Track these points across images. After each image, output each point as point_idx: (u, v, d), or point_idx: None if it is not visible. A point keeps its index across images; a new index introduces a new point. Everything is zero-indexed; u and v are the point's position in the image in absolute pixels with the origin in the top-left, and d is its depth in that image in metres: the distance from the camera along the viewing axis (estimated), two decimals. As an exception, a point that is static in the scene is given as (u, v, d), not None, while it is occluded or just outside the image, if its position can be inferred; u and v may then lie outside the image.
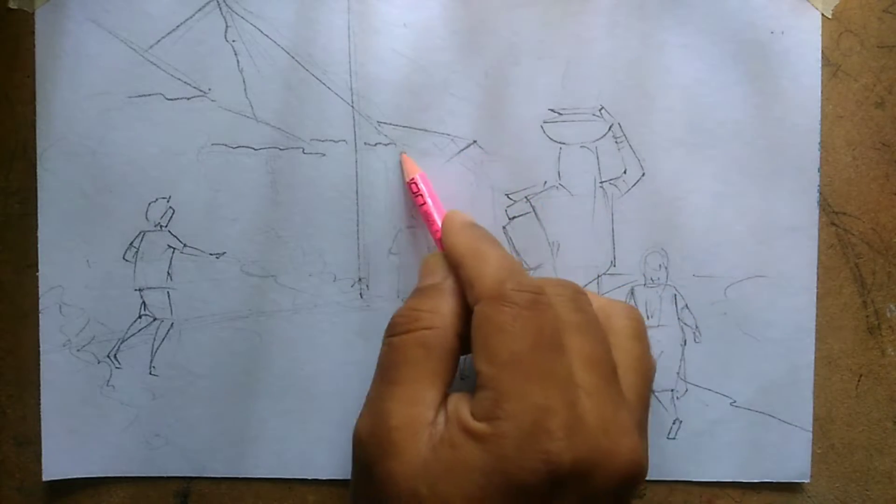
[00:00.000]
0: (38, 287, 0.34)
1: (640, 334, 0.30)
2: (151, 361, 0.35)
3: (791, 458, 0.35)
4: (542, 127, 0.34)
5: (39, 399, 0.34)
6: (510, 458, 0.24)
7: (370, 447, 0.27)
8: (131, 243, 0.34)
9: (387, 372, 0.28)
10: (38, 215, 0.34)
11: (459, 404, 0.26)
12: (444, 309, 0.28)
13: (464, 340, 0.28)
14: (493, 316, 0.27)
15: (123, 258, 0.34)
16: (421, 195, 0.33)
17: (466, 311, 0.28)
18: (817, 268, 0.35)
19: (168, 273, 0.34)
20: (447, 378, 0.28)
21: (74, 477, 0.35)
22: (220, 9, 0.34)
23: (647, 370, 0.29)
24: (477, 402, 0.26)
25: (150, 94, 0.34)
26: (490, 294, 0.27)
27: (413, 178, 0.33)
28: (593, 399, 0.26)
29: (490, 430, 0.25)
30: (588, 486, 0.25)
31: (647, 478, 0.34)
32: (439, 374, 0.27)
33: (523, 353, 0.26)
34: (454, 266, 0.30)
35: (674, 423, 0.35)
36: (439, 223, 0.32)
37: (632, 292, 0.35)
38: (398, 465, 0.26)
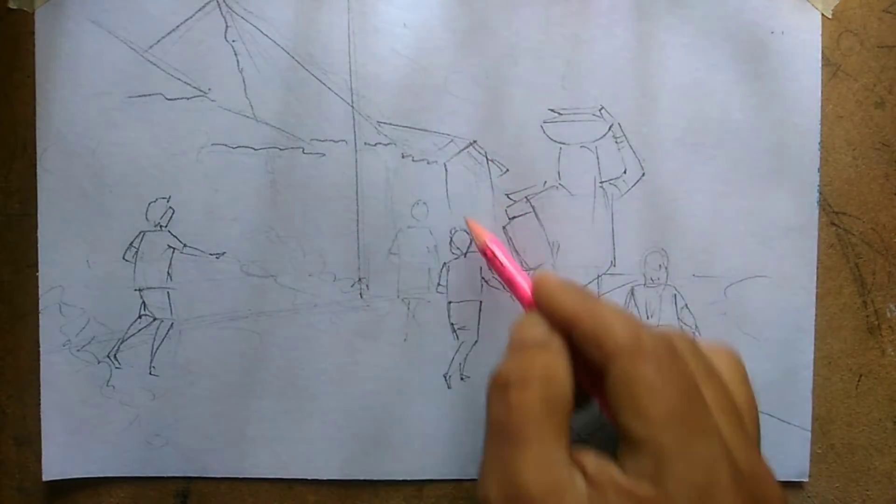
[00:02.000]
0: (38, 287, 0.34)
1: (744, 376, 0.29)
2: (151, 361, 0.35)
3: (791, 458, 0.35)
4: (542, 127, 0.34)
5: (39, 399, 0.35)
6: None
7: None
8: (131, 243, 0.34)
9: (508, 432, 0.26)
10: (38, 215, 0.34)
11: (605, 467, 0.25)
12: (556, 363, 0.27)
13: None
14: (639, 371, 0.25)
15: (123, 258, 0.34)
16: (498, 259, 0.32)
17: (576, 376, 0.28)
18: (817, 268, 0.35)
19: (168, 273, 0.34)
20: (569, 433, 0.26)
21: (74, 477, 0.35)
22: (220, 9, 0.34)
23: (755, 412, 0.29)
24: (634, 464, 0.25)
25: (149, 94, 0.34)
26: (630, 349, 0.26)
27: (486, 245, 0.32)
28: (737, 448, 0.25)
29: (656, 492, 0.24)
30: None
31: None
32: (564, 433, 0.26)
33: (679, 409, 0.25)
34: (565, 327, 0.28)
35: (674, 423, 0.35)
36: (522, 283, 0.31)
37: (632, 292, 0.35)
38: None
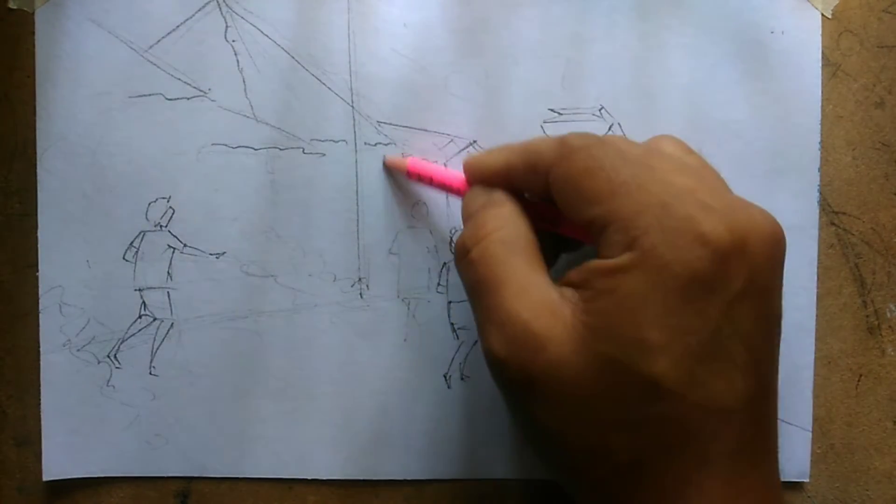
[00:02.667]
0: (38, 287, 0.34)
1: (690, 149, 0.29)
2: (151, 361, 0.35)
3: (791, 458, 0.35)
4: (542, 127, 0.35)
5: (39, 399, 0.34)
6: (673, 259, 0.23)
7: (517, 354, 0.24)
8: (131, 243, 0.34)
9: (483, 284, 0.26)
10: (38, 215, 0.34)
11: (585, 266, 0.25)
12: (504, 212, 0.27)
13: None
14: (574, 165, 0.25)
15: (123, 258, 0.34)
16: (426, 172, 0.33)
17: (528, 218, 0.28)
18: (817, 268, 0.35)
19: (168, 273, 0.34)
20: (543, 264, 0.26)
21: (74, 477, 0.35)
22: (220, 9, 0.34)
23: (715, 171, 0.28)
24: (607, 247, 0.24)
25: (150, 94, 0.34)
26: (559, 153, 0.26)
27: (409, 169, 0.33)
28: (703, 191, 0.25)
29: (637, 253, 0.23)
30: (750, 259, 0.24)
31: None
32: (535, 261, 0.26)
33: (622, 176, 0.24)
34: (506, 178, 0.28)
35: (674, 423, 0.35)
36: (455, 176, 0.31)
37: (632, 292, 0.35)
38: (556, 348, 0.24)
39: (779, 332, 0.26)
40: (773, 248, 0.25)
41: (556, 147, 0.27)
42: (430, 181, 0.33)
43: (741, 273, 0.23)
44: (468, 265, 0.27)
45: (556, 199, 0.26)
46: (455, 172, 0.32)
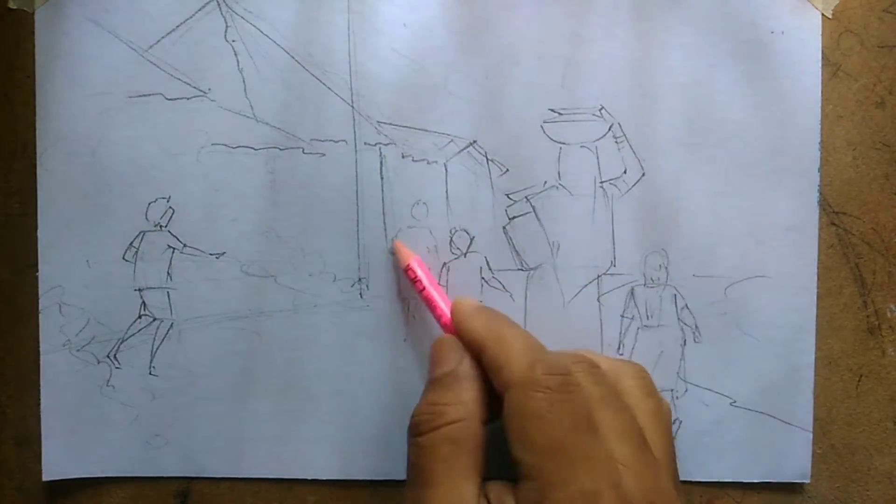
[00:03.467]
0: (37, 287, 0.34)
1: (650, 390, 0.30)
2: (151, 361, 0.35)
3: (791, 459, 0.35)
4: (542, 127, 0.34)
5: (39, 399, 0.34)
6: None
7: None
8: (131, 243, 0.34)
9: (420, 474, 0.27)
10: (38, 215, 0.34)
11: (503, 496, 0.26)
12: (465, 398, 0.28)
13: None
14: (528, 403, 0.26)
15: (123, 258, 0.34)
16: (419, 281, 0.33)
17: (488, 396, 0.28)
18: (817, 268, 0.35)
19: (168, 273, 0.34)
20: (481, 469, 0.27)
21: (74, 477, 0.35)
22: (220, 9, 0.34)
23: (666, 423, 0.29)
24: (522, 494, 0.26)
25: (149, 94, 0.34)
26: (521, 380, 0.27)
27: (409, 265, 0.33)
28: (632, 472, 0.26)
29: None
30: None
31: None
32: (473, 468, 0.27)
33: (563, 439, 0.25)
34: (475, 350, 0.29)
35: (674, 423, 0.35)
36: (443, 306, 0.32)
37: (632, 292, 0.35)
38: None
39: None
40: None
41: (523, 368, 0.27)
42: (420, 291, 0.33)
43: None
44: (414, 447, 0.28)
45: (503, 417, 0.27)
46: (444, 299, 0.32)
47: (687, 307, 0.35)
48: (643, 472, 0.26)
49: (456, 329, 0.31)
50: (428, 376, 0.30)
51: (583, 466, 0.25)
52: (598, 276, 0.35)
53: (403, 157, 0.34)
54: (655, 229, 0.35)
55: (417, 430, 0.28)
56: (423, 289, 0.33)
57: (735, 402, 0.35)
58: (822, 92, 0.34)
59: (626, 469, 0.25)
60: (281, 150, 0.34)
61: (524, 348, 0.28)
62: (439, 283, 0.34)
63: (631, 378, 0.30)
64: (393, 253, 0.34)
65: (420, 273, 0.33)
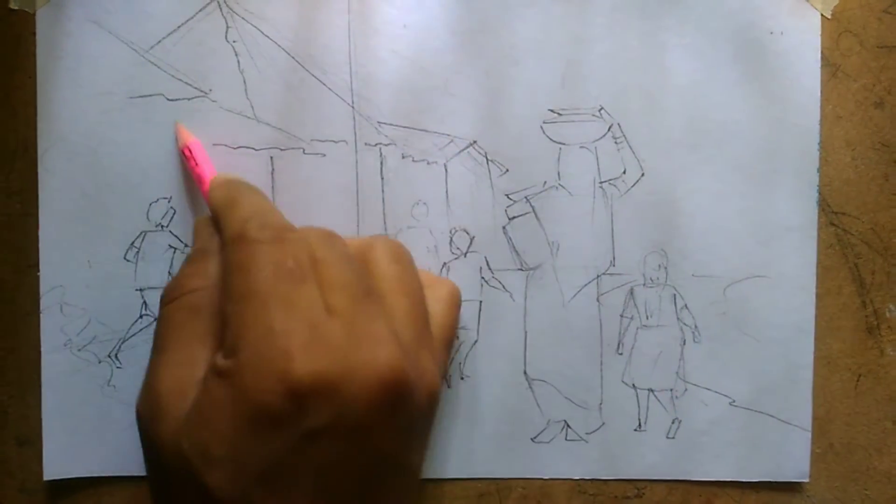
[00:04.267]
0: (38, 287, 0.34)
1: (396, 257, 0.29)
2: (152, 361, 0.35)
3: (790, 458, 0.35)
4: (541, 127, 0.35)
5: (40, 399, 0.35)
6: (250, 385, 0.24)
7: (143, 418, 0.26)
8: (132, 243, 0.34)
9: (157, 341, 0.28)
10: (39, 215, 0.34)
11: (216, 353, 0.26)
12: (209, 269, 0.28)
13: None
14: (234, 255, 0.27)
15: (124, 258, 0.35)
16: (193, 160, 0.33)
17: None
18: (816, 268, 0.35)
19: (169, 273, 0.35)
20: (220, 335, 0.27)
21: (75, 477, 0.35)
22: (221, 9, 0.34)
23: (410, 288, 0.29)
24: (224, 342, 0.25)
25: (150, 95, 0.34)
26: (233, 235, 0.27)
27: (186, 146, 0.33)
28: (342, 318, 0.25)
29: (232, 363, 0.24)
30: (338, 400, 0.24)
31: (647, 477, 0.35)
32: (209, 333, 0.27)
33: (262, 286, 0.25)
34: (215, 221, 0.30)
35: (673, 423, 0.35)
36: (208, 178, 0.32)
37: (631, 292, 0.35)
38: (164, 426, 0.25)
39: (388, 469, 0.26)
40: (381, 394, 0.25)
41: (239, 227, 0.27)
42: (192, 168, 0.33)
43: (322, 413, 0.24)
44: (159, 317, 0.28)
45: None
46: (209, 174, 0.32)
47: (686, 307, 0.35)
48: (354, 319, 0.25)
49: (209, 203, 0.31)
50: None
51: (278, 306, 0.25)
52: (598, 276, 0.35)
53: (403, 157, 0.34)
54: (655, 229, 0.35)
55: (161, 302, 0.28)
56: (195, 166, 0.33)
57: (734, 401, 0.35)
58: (821, 92, 0.34)
59: (335, 316, 0.25)
60: (281, 150, 0.34)
61: (249, 210, 0.28)
62: (211, 165, 0.33)
63: (379, 248, 0.30)
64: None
65: (195, 153, 0.33)
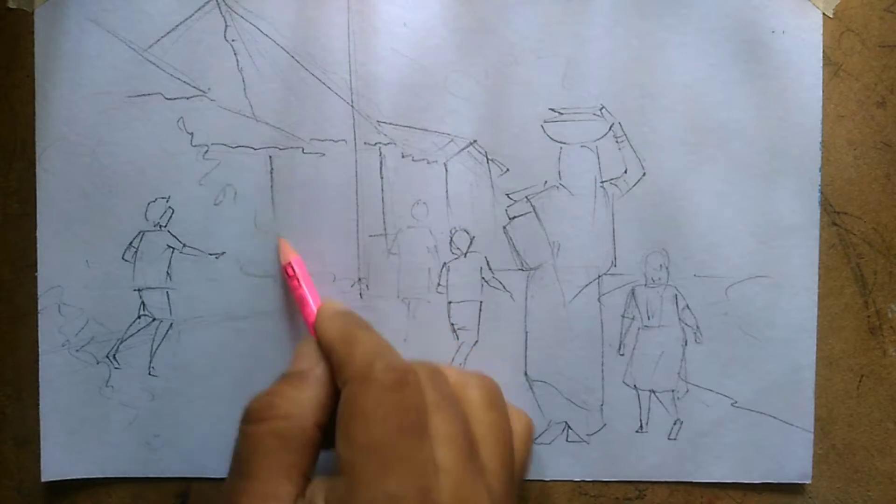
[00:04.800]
0: (36, 287, 0.34)
1: (492, 402, 0.29)
2: (151, 362, 0.35)
3: (792, 459, 0.35)
4: (542, 126, 0.34)
5: (38, 399, 0.34)
6: None
7: None
8: (130, 243, 0.34)
9: (240, 464, 0.27)
10: (38, 215, 0.34)
11: (317, 491, 0.25)
12: (303, 397, 0.27)
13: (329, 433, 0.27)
14: (357, 398, 0.26)
15: (122, 258, 0.34)
16: (296, 279, 0.33)
17: (335, 402, 0.28)
18: (818, 268, 0.35)
19: (167, 273, 0.34)
20: (305, 471, 0.27)
21: (73, 477, 0.35)
22: (220, 8, 0.34)
23: (504, 436, 0.28)
24: (332, 490, 0.25)
25: (149, 94, 0.34)
26: (357, 376, 0.26)
27: (289, 263, 0.33)
28: (451, 477, 0.25)
29: None
30: None
31: (648, 478, 0.35)
32: (296, 467, 0.26)
33: (384, 439, 0.25)
34: (326, 352, 0.29)
35: (675, 424, 0.35)
36: (312, 307, 0.32)
37: (632, 292, 0.35)
38: None
39: None
40: None
41: (362, 364, 0.27)
42: (294, 288, 0.33)
43: None
44: (241, 435, 0.27)
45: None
46: (316, 302, 0.32)
47: (688, 307, 0.35)
48: (464, 478, 0.25)
49: (316, 332, 0.30)
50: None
51: (397, 468, 0.24)
52: (599, 276, 0.35)
53: (403, 156, 0.34)
54: (656, 229, 0.35)
55: (247, 419, 0.27)
56: (297, 287, 0.33)
57: (736, 402, 0.35)
58: (823, 91, 0.34)
59: (444, 475, 0.25)
60: (281, 149, 0.34)
61: (370, 348, 0.28)
62: (316, 289, 0.33)
63: (475, 388, 0.29)
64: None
65: (297, 272, 0.33)
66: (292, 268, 0.33)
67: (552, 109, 0.34)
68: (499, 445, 0.28)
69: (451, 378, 0.29)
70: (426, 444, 0.25)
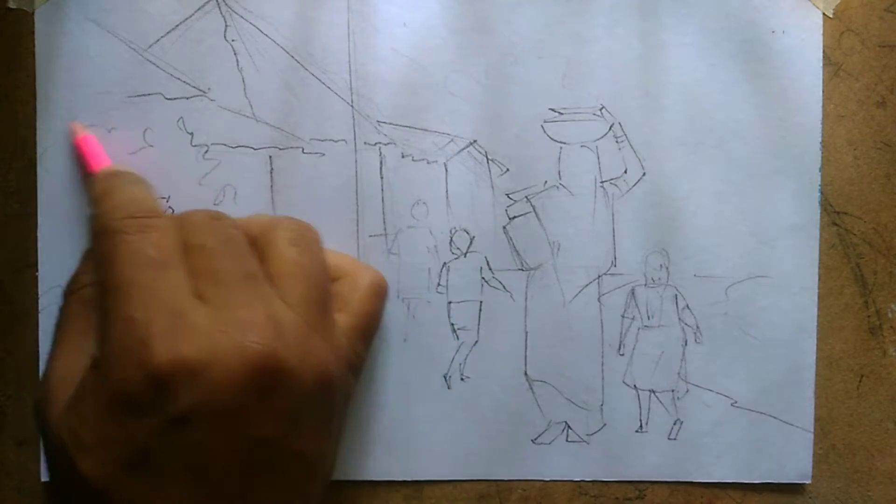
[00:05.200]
0: (37, 287, 0.34)
1: (295, 240, 0.30)
2: (151, 361, 0.35)
3: (792, 459, 0.35)
4: (542, 126, 0.34)
5: (39, 399, 0.34)
6: (112, 374, 0.25)
7: (36, 407, 0.27)
8: (131, 243, 0.34)
9: (55, 333, 0.29)
10: (38, 215, 0.34)
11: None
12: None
13: None
14: (99, 247, 0.27)
15: (123, 258, 0.34)
16: (84, 150, 0.33)
17: None
18: (818, 268, 0.35)
19: (167, 273, 0.34)
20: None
21: (74, 477, 0.35)
22: (220, 8, 0.34)
23: (308, 273, 0.29)
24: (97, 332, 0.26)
25: (149, 94, 0.34)
26: (97, 228, 0.28)
27: (78, 138, 0.33)
28: (211, 304, 0.26)
29: (99, 353, 0.26)
30: (202, 384, 0.24)
31: (648, 478, 0.34)
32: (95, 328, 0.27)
33: (124, 276, 0.26)
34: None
35: (675, 424, 0.35)
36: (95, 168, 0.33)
37: (632, 292, 0.35)
38: (51, 415, 0.26)
39: (273, 456, 0.26)
40: (244, 377, 0.25)
41: (105, 222, 0.28)
42: (83, 158, 0.33)
43: (186, 398, 0.24)
44: (59, 309, 0.30)
45: None
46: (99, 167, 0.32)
47: (688, 307, 0.35)
48: (223, 304, 0.26)
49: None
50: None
51: (139, 297, 0.25)
52: (599, 276, 0.35)
53: (403, 156, 0.34)
54: (656, 229, 0.35)
55: (62, 295, 0.30)
56: (89, 161, 0.33)
57: (736, 402, 0.35)
58: (823, 91, 0.34)
59: (200, 302, 0.26)
60: (281, 149, 0.34)
61: (120, 202, 0.29)
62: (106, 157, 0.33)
63: (282, 229, 0.30)
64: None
65: (89, 149, 0.33)
66: (81, 145, 0.33)
67: (552, 109, 0.34)
68: (300, 280, 0.28)
69: (258, 221, 0.30)
70: (174, 274, 0.26)
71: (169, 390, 0.24)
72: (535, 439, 0.35)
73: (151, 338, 0.24)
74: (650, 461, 0.35)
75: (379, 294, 0.32)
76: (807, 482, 0.35)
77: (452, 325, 0.35)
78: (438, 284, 0.35)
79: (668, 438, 0.35)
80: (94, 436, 0.24)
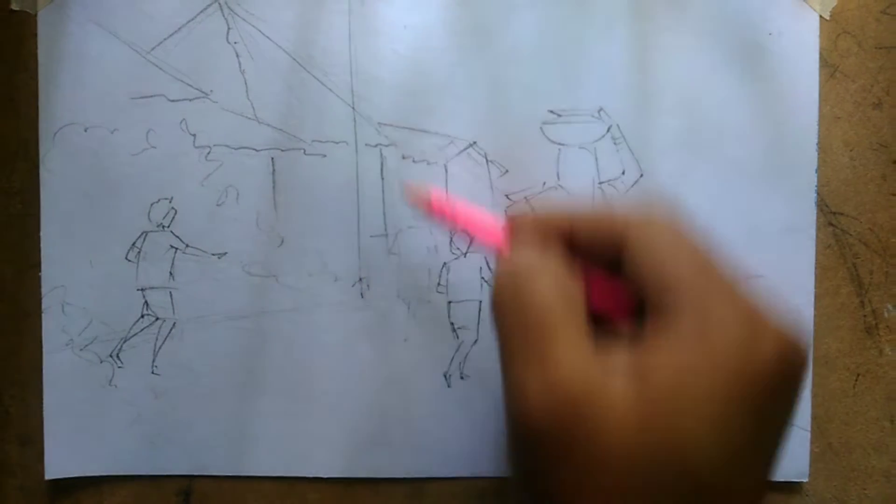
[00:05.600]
0: (40, 287, 0.34)
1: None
2: (154, 361, 0.35)
3: (789, 458, 0.35)
4: (541, 128, 0.35)
5: (42, 398, 0.35)
6: (737, 357, 0.22)
7: (561, 409, 0.21)
8: (133, 243, 0.35)
9: (531, 329, 0.23)
10: (41, 216, 0.34)
11: (640, 351, 0.22)
12: (561, 273, 0.24)
13: None
14: (656, 236, 0.25)
15: (126, 258, 0.35)
16: (455, 210, 0.28)
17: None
18: (815, 268, 0.35)
19: (170, 273, 0.35)
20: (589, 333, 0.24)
21: (76, 476, 0.35)
22: (222, 11, 0.34)
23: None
24: (676, 333, 0.22)
25: (152, 96, 0.34)
26: (640, 218, 0.25)
27: (435, 201, 0.28)
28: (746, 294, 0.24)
29: (704, 351, 0.22)
30: (798, 372, 0.24)
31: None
32: (585, 326, 0.23)
33: (703, 268, 0.25)
34: (561, 237, 0.26)
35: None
36: (491, 223, 0.28)
37: (631, 292, 0.35)
38: (612, 414, 0.21)
39: None
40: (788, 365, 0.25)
41: (635, 209, 0.25)
42: (457, 217, 0.28)
43: (799, 381, 0.24)
44: (516, 303, 0.24)
45: (626, 264, 0.25)
46: (489, 218, 0.28)
47: (685, 307, 0.35)
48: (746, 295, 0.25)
49: (528, 235, 0.26)
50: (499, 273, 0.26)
51: (723, 290, 0.25)
52: (597, 276, 0.35)
53: (404, 158, 0.35)
54: (654, 230, 0.35)
55: (514, 284, 0.24)
56: (465, 212, 0.28)
57: (733, 401, 0.35)
58: (819, 93, 0.34)
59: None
60: (282, 151, 0.35)
61: (605, 203, 0.29)
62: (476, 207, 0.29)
63: (665, 220, 0.26)
64: (408, 196, 0.32)
65: (450, 205, 0.28)
66: (440, 202, 0.28)
67: (551, 111, 0.35)
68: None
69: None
70: (718, 265, 0.25)
71: (789, 369, 0.24)
72: (535, 438, 0.35)
73: (764, 319, 0.25)
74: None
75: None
76: (804, 480, 0.35)
77: (452, 324, 0.35)
78: (438, 284, 0.35)
79: (666, 437, 0.35)
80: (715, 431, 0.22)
